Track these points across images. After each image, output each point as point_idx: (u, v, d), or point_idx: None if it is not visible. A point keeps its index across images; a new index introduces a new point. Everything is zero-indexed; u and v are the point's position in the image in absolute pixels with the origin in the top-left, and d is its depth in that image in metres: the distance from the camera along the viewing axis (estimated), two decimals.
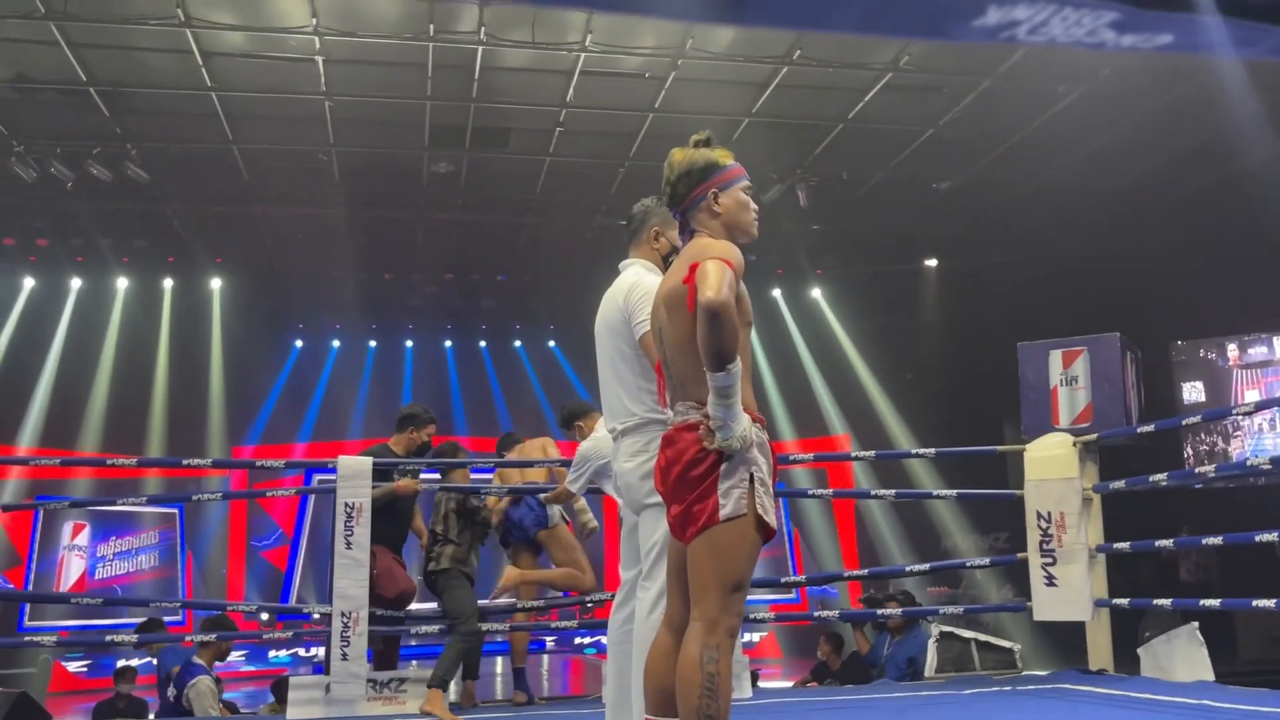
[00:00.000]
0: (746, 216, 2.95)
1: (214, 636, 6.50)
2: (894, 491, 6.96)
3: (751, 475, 2.68)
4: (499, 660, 11.23)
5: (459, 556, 5.90)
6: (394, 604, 5.86)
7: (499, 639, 6.76)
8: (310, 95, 9.11)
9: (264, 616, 12.98)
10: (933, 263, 13.50)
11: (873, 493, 7.49)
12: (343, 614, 5.29)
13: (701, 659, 2.60)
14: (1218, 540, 5.21)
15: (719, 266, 2.65)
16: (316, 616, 5.88)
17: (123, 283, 13.03)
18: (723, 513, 2.65)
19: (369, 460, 5.63)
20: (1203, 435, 11.22)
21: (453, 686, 5.77)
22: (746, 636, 12.51)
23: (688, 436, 2.74)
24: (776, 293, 14.32)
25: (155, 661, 7.32)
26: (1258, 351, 11.33)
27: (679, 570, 2.84)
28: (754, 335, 14.03)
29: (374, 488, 5.53)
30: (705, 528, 2.67)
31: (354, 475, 5.50)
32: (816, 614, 7.69)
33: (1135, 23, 0.91)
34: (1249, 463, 5.59)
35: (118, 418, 13.24)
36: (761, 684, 7.07)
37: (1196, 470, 6.35)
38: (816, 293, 14.26)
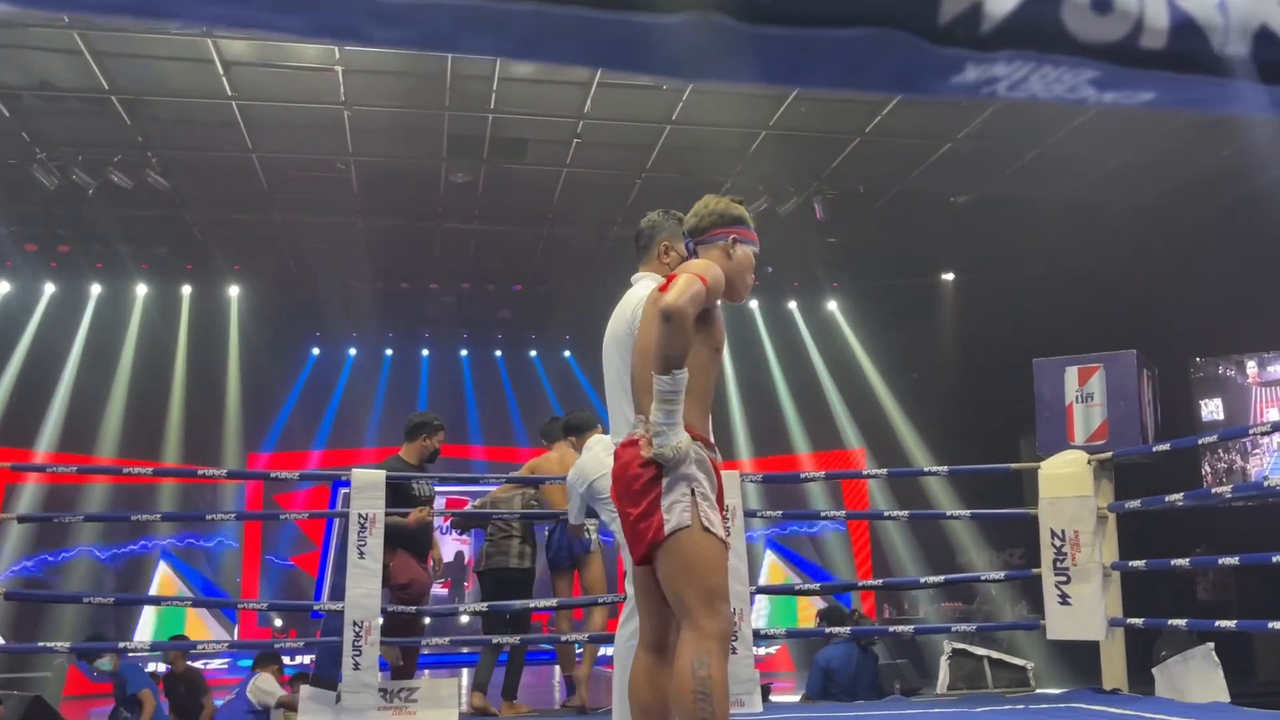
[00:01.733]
0: (747, 279, 3.06)
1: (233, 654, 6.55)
2: (908, 513, 6.95)
3: (693, 490, 2.73)
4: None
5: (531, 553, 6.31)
6: (406, 591, 5.86)
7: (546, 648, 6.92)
8: (329, 105, 9.16)
9: (278, 623, 13.10)
10: (949, 277, 13.46)
11: (887, 514, 7.47)
12: (355, 623, 5.27)
13: (693, 665, 2.63)
14: (1234, 560, 5.16)
15: (689, 278, 2.73)
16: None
17: (142, 289, 13.10)
18: (667, 527, 2.70)
19: (382, 473, 5.66)
20: (1221, 453, 11.12)
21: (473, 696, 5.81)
22: (759, 650, 12.48)
23: (631, 450, 2.80)
24: (792, 305, 14.28)
25: (116, 678, 7.47)
26: (1278, 369, 11.22)
27: (644, 589, 2.89)
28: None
29: (387, 514, 5.51)
30: (653, 544, 2.72)
31: (367, 487, 5.50)
32: (827, 630, 7.66)
33: (1116, 80, 0.93)
34: (1267, 482, 5.55)
35: (135, 423, 13.31)
36: (773, 698, 7.04)
37: (1214, 490, 6.30)
38: (832, 305, 14.21)
